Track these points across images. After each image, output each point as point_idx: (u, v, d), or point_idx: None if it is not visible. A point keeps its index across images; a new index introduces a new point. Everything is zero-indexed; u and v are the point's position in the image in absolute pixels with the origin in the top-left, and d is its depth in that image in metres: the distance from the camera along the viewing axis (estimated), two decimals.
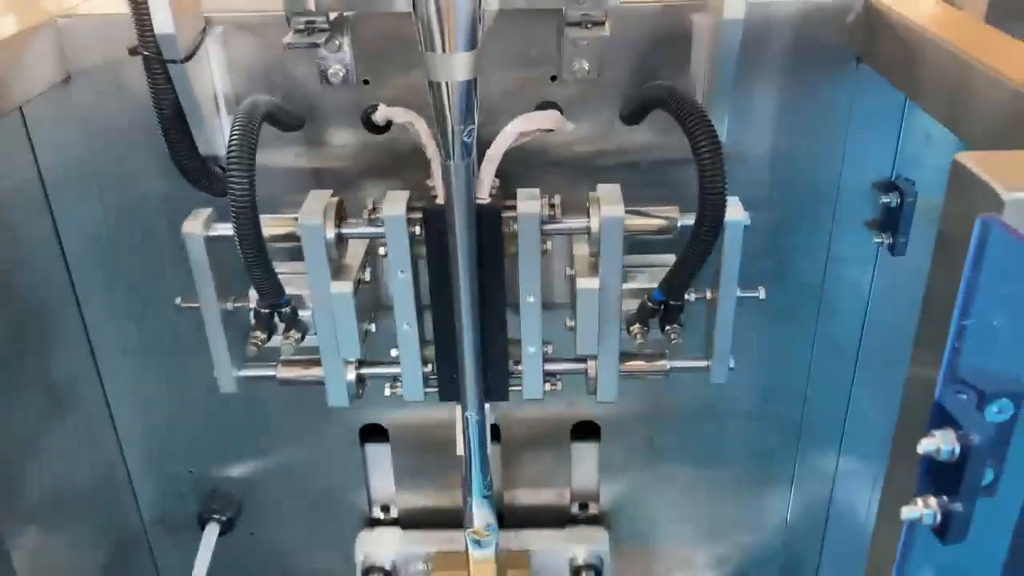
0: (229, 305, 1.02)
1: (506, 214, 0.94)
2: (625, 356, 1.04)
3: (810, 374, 1.24)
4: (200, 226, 0.96)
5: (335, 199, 0.98)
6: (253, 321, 0.99)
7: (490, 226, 0.93)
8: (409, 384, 1.06)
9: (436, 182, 0.94)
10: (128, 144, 1.08)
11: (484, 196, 0.92)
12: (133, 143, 1.07)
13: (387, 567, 1.27)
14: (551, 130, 0.94)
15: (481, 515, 1.13)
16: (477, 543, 1.15)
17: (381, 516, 1.38)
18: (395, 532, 1.32)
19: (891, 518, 0.58)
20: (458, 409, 1.09)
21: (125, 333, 1.21)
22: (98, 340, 1.22)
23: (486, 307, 0.96)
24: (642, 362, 1.04)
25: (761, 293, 0.99)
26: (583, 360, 1.05)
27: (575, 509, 1.39)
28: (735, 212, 0.93)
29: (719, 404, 1.26)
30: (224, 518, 1.30)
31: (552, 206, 0.96)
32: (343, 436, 1.30)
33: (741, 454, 1.31)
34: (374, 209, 0.97)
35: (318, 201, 0.97)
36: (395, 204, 0.95)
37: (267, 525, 1.37)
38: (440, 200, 0.94)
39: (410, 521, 1.37)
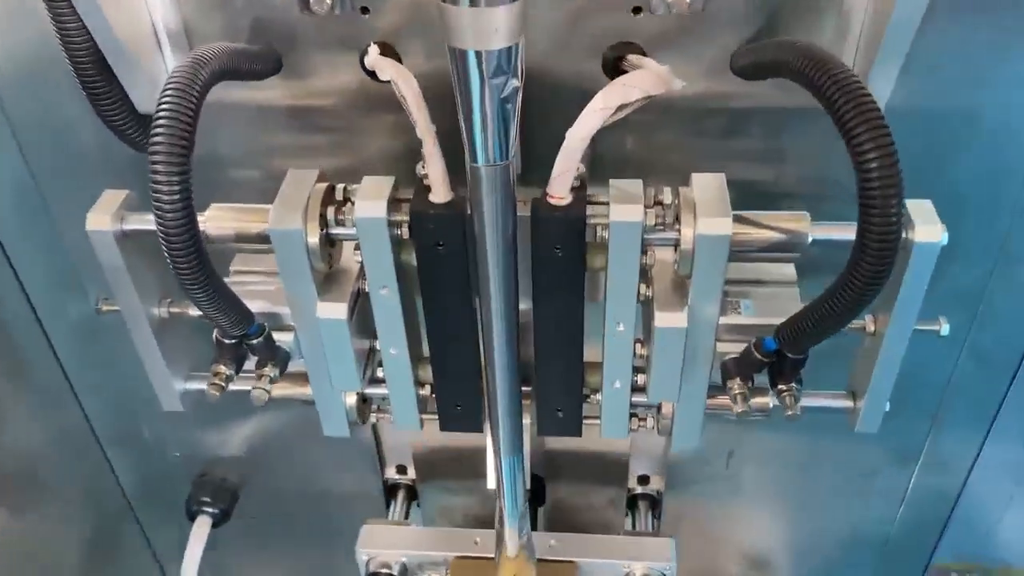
0: (163, 311, 0.77)
1: (592, 221, 0.67)
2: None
3: (949, 388, 0.96)
4: (109, 220, 0.70)
5: (322, 185, 0.70)
6: (215, 352, 0.74)
7: (568, 239, 0.67)
8: (401, 412, 0.82)
9: (429, 168, 0.66)
10: (53, 86, 0.79)
11: (563, 195, 0.65)
12: (57, 83, 0.78)
13: (394, 572, 1.00)
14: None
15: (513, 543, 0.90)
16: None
17: (397, 477, 1.15)
18: (406, 530, 1.06)
19: None
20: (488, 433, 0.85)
21: (76, 304, 0.97)
22: (46, 312, 0.98)
23: (549, 335, 0.73)
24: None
25: (943, 328, 0.71)
26: None
27: (632, 482, 1.12)
28: (927, 229, 0.63)
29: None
30: (216, 510, 1.11)
31: (661, 205, 0.68)
32: None
33: (846, 465, 1.05)
34: (344, 201, 0.70)
35: (298, 189, 0.69)
36: (372, 201, 0.68)
37: (266, 510, 1.18)
38: (436, 196, 0.67)
39: (430, 491, 1.14)
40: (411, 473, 1.13)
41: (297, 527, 1.20)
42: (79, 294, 0.95)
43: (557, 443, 1.06)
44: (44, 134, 0.83)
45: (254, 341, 0.71)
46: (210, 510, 1.10)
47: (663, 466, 1.09)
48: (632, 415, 0.81)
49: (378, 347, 0.78)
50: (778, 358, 0.69)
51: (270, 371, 0.73)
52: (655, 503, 1.12)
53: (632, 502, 1.12)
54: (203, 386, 0.83)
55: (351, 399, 0.81)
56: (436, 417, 0.83)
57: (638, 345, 0.76)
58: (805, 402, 0.78)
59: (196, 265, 0.60)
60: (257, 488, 1.15)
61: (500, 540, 0.87)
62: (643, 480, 1.11)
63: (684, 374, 0.73)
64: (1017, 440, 1.03)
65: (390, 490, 1.15)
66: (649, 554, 0.99)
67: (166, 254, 0.60)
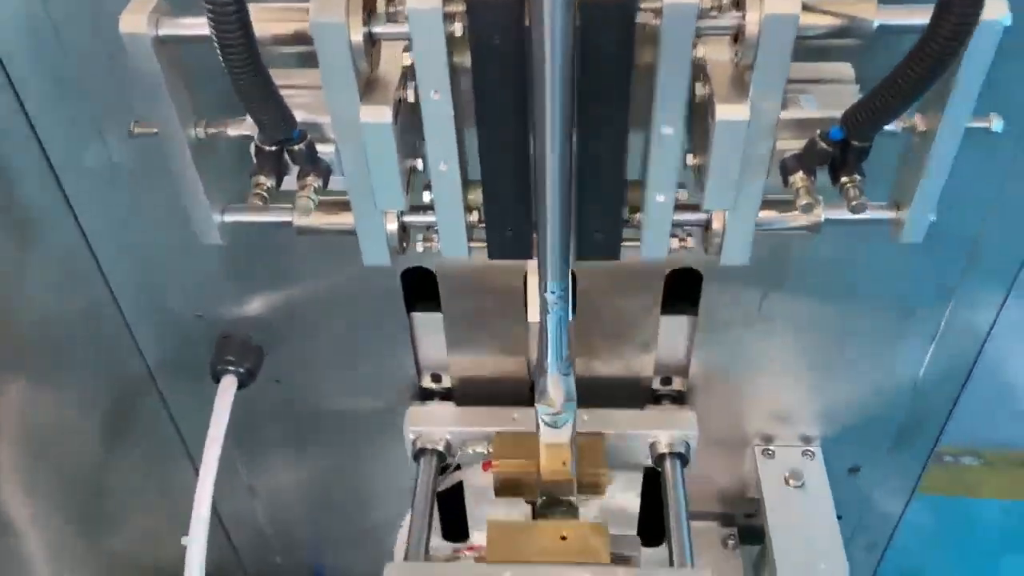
0: (200, 131, 0.73)
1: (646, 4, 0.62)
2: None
3: (993, 207, 0.94)
4: (144, 22, 0.65)
5: None
6: (255, 160, 0.71)
7: (616, 30, 0.63)
8: (448, 238, 0.80)
9: None
10: None
11: None
12: None
13: (439, 448, 1.06)
14: None
15: (557, 390, 0.90)
16: (551, 422, 0.93)
17: (432, 386, 1.17)
18: (449, 408, 1.11)
19: None
20: (530, 265, 0.83)
21: (92, 152, 0.92)
22: (62, 164, 0.94)
23: (594, 141, 0.69)
24: (793, 215, 0.76)
25: (995, 123, 0.69)
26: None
27: (657, 384, 1.16)
28: (992, 3, 0.60)
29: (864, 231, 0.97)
30: (242, 369, 1.09)
31: None
32: (380, 274, 1.04)
33: (879, 297, 1.04)
34: None
35: None
36: None
37: (295, 373, 1.16)
38: None
39: (466, 394, 1.15)
40: (446, 382, 1.16)
41: (324, 393, 1.19)
42: (96, 141, 0.91)
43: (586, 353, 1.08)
44: None
45: (296, 147, 0.68)
46: (235, 368, 1.08)
47: (686, 368, 1.13)
48: (674, 235, 0.79)
49: (420, 167, 0.76)
50: (842, 149, 0.67)
51: (313, 181, 0.70)
52: (677, 401, 1.16)
53: (656, 402, 1.16)
54: (240, 218, 0.81)
55: (392, 224, 0.79)
56: (484, 244, 0.80)
57: (690, 156, 0.74)
58: (845, 215, 0.77)
59: (248, 48, 0.57)
60: (284, 349, 1.13)
61: (541, 366, 0.87)
62: (666, 381, 1.15)
63: (742, 177, 0.71)
64: None
65: (425, 398, 1.17)
66: (672, 424, 1.07)
67: (217, 41, 0.57)
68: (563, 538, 0.96)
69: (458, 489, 1.19)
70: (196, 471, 1.12)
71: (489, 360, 1.11)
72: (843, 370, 1.12)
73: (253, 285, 1.07)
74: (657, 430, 1.06)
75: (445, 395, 1.16)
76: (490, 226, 0.78)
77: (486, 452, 1.05)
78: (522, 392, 1.13)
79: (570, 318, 0.83)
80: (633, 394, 1.14)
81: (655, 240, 0.78)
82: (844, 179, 0.67)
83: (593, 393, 1.03)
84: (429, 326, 1.10)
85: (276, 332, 1.11)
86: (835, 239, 0.97)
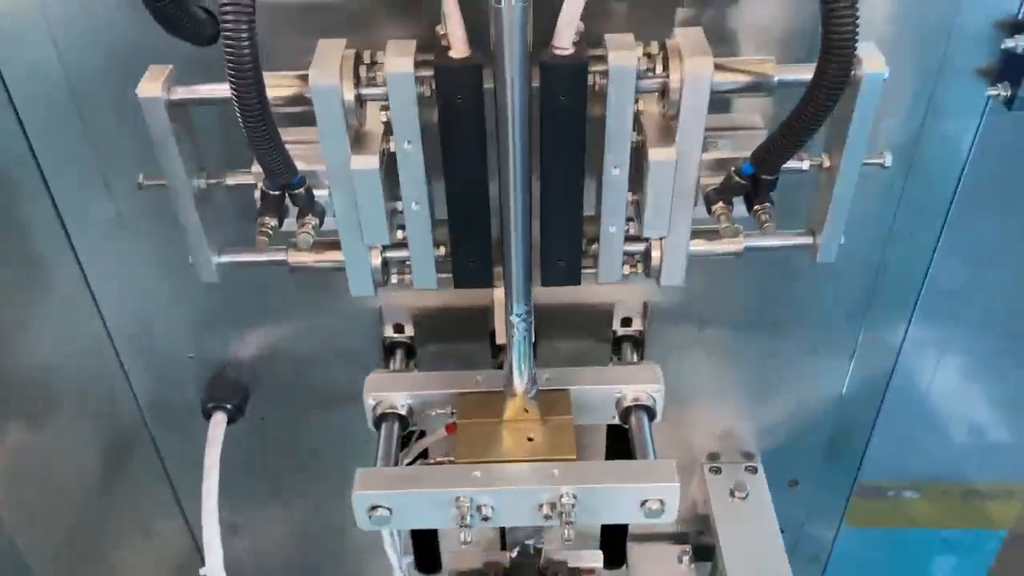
0: (202, 183, 0.85)
1: (594, 68, 0.77)
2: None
3: (890, 237, 1.09)
4: (159, 88, 0.78)
5: (351, 51, 0.79)
6: (259, 204, 0.82)
7: (572, 86, 0.76)
8: (420, 270, 0.91)
9: (449, 25, 0.75)
10: None
11: (566, 46, 0.74)
12: None
13: (402, 411, 1.05)
14: None
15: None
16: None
17: (395, 336, 1.18)
18: (409, 374, 1.14)
19: None
20: (496, 293, 0.95)
21: (99, 204, 1.03)
22: (70, 215, 1.04)
23: (556, 182, 0.83)
24: (719, 243, 0.90)
25: (887, 160, 0.84)
26: (644, 239, 0.91)
27: (616, 324, 1.18)
28: (872, 62, 0.75)
29: (785, 264, 1.12)
30: (231, 406, 1.18)
31: (649, 56, 0.78)
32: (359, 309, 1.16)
33: (802, 321, 1.18)
34: (372, 64, 0.79)
35: (331, 54, 0.78)
36: (399, 59, 0.77)
37: (279, 408, 1.26)
38: (455, 52, 0.76)
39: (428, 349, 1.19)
40: (408, 331, 1.18)
41: (307, 425, 1.28)
42: (102, 193, 1.02)
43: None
44: (79, 30, 0.90)
45: (297, 191, 0.80)
46: (225, 405, 1.17)
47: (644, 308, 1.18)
48: (624, 263, 0.92)
49: (399, 208, 0.88)
50: (753, 182, 0.81)
51: (311, 220, 0.82)
52: (638, 344, 1.20)
53: (616, 344, 1.20)
54: (235, 258, 0.91)
55: (376, 259, 0.90)
56: (451, 275, 0.92)
57: (629, 194, 0.87)
58: (771, 242, 0.91)
59: (262, 105, 0.69)
60: (269, 387, 1.22)
61: (508, 380, 0.98)
62: (626, 322, 1.19)
63: (673, 208, 0.84)
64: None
65: (388, 350, 1.19)
66: (638, 379, 1.08)
67: (236, 100, 0.68)
68: (530, 439, 0.99)
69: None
70: (183, 512, 1.19)
71: (451, 308, 1.15)
72: (775, 390, 1.26)
73: (241, 328, 1.17)
74: (622, 384, 1.05)
75: (407, 346, 1.18)
76: (456, 258, 0.90)
77: (449, 414, 1.04)
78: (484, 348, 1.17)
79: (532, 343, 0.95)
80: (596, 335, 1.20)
81: (610, 265, 0.91)
82: (756, 207, 0.82)
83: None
84: None
85: (261, 371, 1.21)
86: (757, 271, 1.11)
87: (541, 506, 0.93)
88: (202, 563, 1.48)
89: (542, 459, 0.96)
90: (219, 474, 1.31)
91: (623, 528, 1.38)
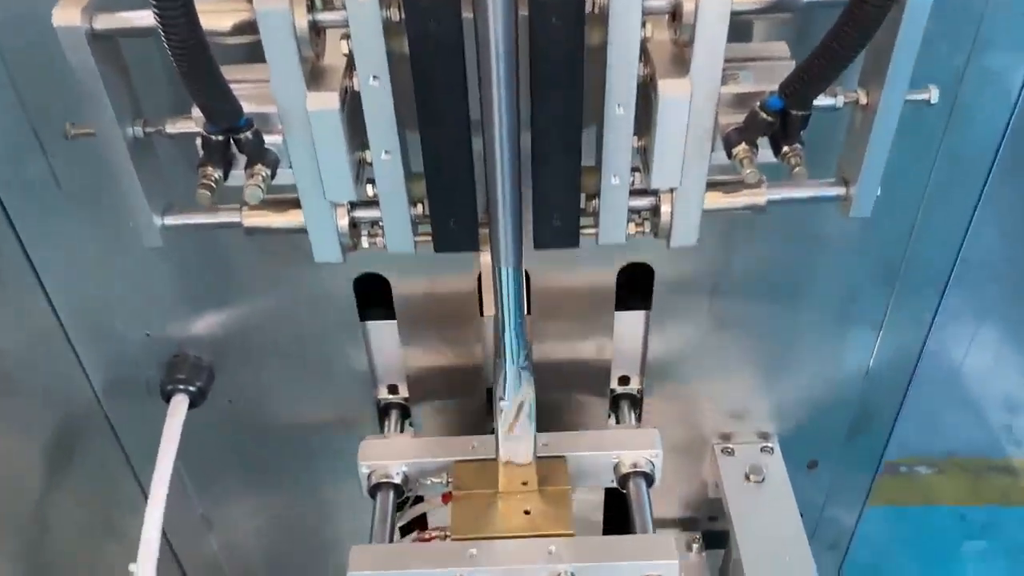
0: (139, 130, 0.73)
1: None
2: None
3: (926, 194, 0.97)
4: (78, 15, 0.65)
5: None
6: (201, 152, 0.70)
7: (566, 6, 0.64)
8: (394, 232, 0.79)
9: None
10: None
11: None
12: None
13: (396, 480, 1.02)
14: None
15: (517, 390, 0.90)
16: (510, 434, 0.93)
17: (389, 397, 1.16)
18: (404, 439, 1.10)
19: None
20: (483, 258, 0.83)
21: (33, 163, 0.91)
22: (3, 182, 0.92)
23: (549, 125, 0.70)
24: (738, 195, 0.78)
25: (933, 95, 0.72)
26: (652, 192, 0.79)
27: (615, 383, 1.16)
28: None
29: (807, 224, 1.00)
30: (193, 388, 1.06)
31: None
32: (333, 286, 1.04)
33: (826, 289, 1.06)
34: None
35: None
36: None
37: (247, 390, 1.14)
38: None
39: (423, 400, 1.16)
40: (403, 392, 1.14)
41: (278, 412, 1.17)
42: (34, 149, 0.90)
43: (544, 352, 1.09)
44: None
45: (243, 135, 0.68)
46: (186, 387, 1.06)
47: (642, 365, 1.13)
48: (630, 220, 0.80)
49: (368, 159, 0.76)
50: (782, 120, 0.69)
51: (261, 170, 0.70)
52: (636, 402, 1.16)
53: (615, 402, 1.17)
54: (182, 220, 0.80)
55: (343, 219, 0.78)
56: (430, 239, 0.81)
57: (634, 138, 0.75)
58: (798, 193, 0.79)
59: (191, 28, 0.57)
60: (235, 368, 1.11)
61: (498, 443, 0.92)
62: (624, 380, 1.15)
63: (687, 153, 0.72)
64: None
65: (383, 411, 1.16)
66: (636, 444, 1.05)
67: (159, 21, 0.56)
68: (526, 512, 0.95)
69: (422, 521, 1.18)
70: (146, 498, 1.08)
71: (446, 368, 1.11)
72: (795, 363, 1.14)
73: (203, 303, 1.06)
74: (620, 450, 1.03)
75: (402, 407, 1.15)
76: (435, 217, 0.78)
77: (445, 483, 1.01)
78: (480, 407, 1.13)
79: (525, 313, 0.84)
80: (593, 391, 1.15)
81: (612, 224, 0.79)
82: (785, 148, 0.69)
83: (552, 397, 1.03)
84: (384, 335, 1.09)
85: (227, 350, 1.09)
86: (778, 229, 0.99)
87: None
88: (172, 556, 1.39)
89: (539, 535, 0.93)
90: (191, 466, 1.21)
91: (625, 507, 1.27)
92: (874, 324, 1.10)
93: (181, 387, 1.06)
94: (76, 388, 1.11)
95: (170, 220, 0.79)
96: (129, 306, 1.04)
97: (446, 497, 1.05)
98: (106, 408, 1.15)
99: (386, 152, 0.73)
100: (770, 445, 1.21)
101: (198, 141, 0.70)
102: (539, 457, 0.97)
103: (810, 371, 1.15)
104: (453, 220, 0.78)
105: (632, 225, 0.80)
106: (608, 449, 1.03)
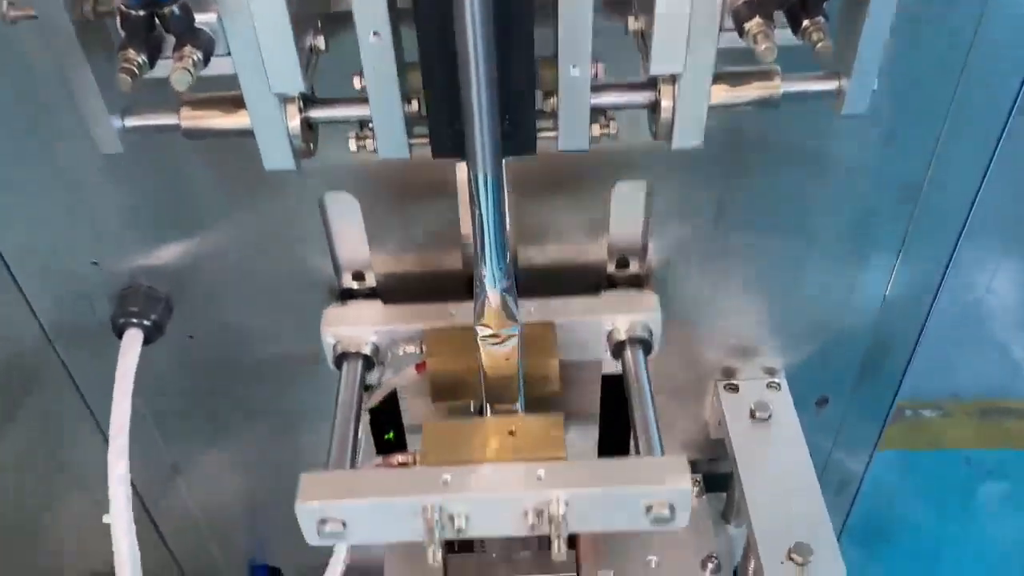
0: (87, 7, 0.62)
1: None
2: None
3: (949, 115, 0.87)
4: None
5: None
6: (122, 32, 0.60)
7: None
8: (385, 134, 0.69)
9: None
10: None
11: None
12: None
13: (366, 351, 0.92)
14: None
15: (497, 305, 0.80)
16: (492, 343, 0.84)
17: (354, 286, 1.02)
18: (374, 306, 0.97)
19: None
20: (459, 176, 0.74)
21: None
22: None
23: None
24: (746, 86, 0.68)
25: None
26: (650, 86, 0.69)
27: (612, 268, 1.02)
28: None
29: (819, 144, 0.90)
30: (148, 322, 0.97)
31: None
32: (299, 209, 0.94)
33: (839, 212, 0.97)
34: None
35: None
36: None
37: (210, 325, 1.05)
38: None
39: (393, 291, 1.01)
40: (370, 280, 1.02)
41: (246, 344, 1.08)
42: None
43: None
44: None
45: (168, 9, 0.57)
46: (140, 321, 0.96)
47: (643, 245, 1.00)
48: (595, 121, 0.69)
49: (320, 46, 0.66)
50: None
51: (191, 53, 0.59)
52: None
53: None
54: (143, 122, 0.69)
55: (294, 119, 0.68)
56: (427, 141, 0.70)
57: (630, 19, 0.65)
58: (785, 87, 0.69)
59: None
60: (194, 300, 1.01)
61: (480, 301, 0.78)
62: (622, 264, 1.02)
63: (691, 33, 0.62)
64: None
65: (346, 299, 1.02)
66: (631, 308, 0.93)
67: None
68: (511, 433, 0.84)
69: (392, 404, 1.06)
70: (106, 441, 1.00)
71: (418, 252, 0.98)
72: (806, 289, 1.04)
73: (156, 230, 0.96)
74: (614, 315, 0.92)
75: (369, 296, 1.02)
76: (435, 117, 0.67)
77: (419, 352, 0.91)
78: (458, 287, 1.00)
79: (506, 230, 0.74)
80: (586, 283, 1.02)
81: (574, 126, 0.68)
82: (806, 23, 0.59)
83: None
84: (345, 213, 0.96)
85: (185, 281, 0.99)
86: (789, 148, 0.90)
87: (526, 514, 0.77)
88: (143, 509, 1.31)
89: (525, 459, 0.81)
90: (157, 411, 1.13)
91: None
92: (892, 249, 1.01)
93: (134, 321, 0.96)
94: (23, 326, 1.02)
95: (132, 122, 0.68)
96: (74, 236, 0.95)
97: (420, 367, 0.94)
98: (57, 348, 1.06)
99: (375, 34, 0.62)
100: (777, 381, 1.12)
101: (117, 19, 0.59)
102: (526, 324, 0.85)
103: (823, 298, 1.05)
104: (453, 122, 0.66)
105: (597, 127, 0.69)
106: (601, 314, 0.93)
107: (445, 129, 0.67)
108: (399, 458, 0.87)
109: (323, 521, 0.78)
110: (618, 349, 0.94)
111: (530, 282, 0.95)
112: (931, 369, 1.12)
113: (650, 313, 0.92)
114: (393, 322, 0.93)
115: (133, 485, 1.24)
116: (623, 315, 0.92)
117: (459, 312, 0.91)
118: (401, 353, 0.92)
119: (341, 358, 0.92)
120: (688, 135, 0.69)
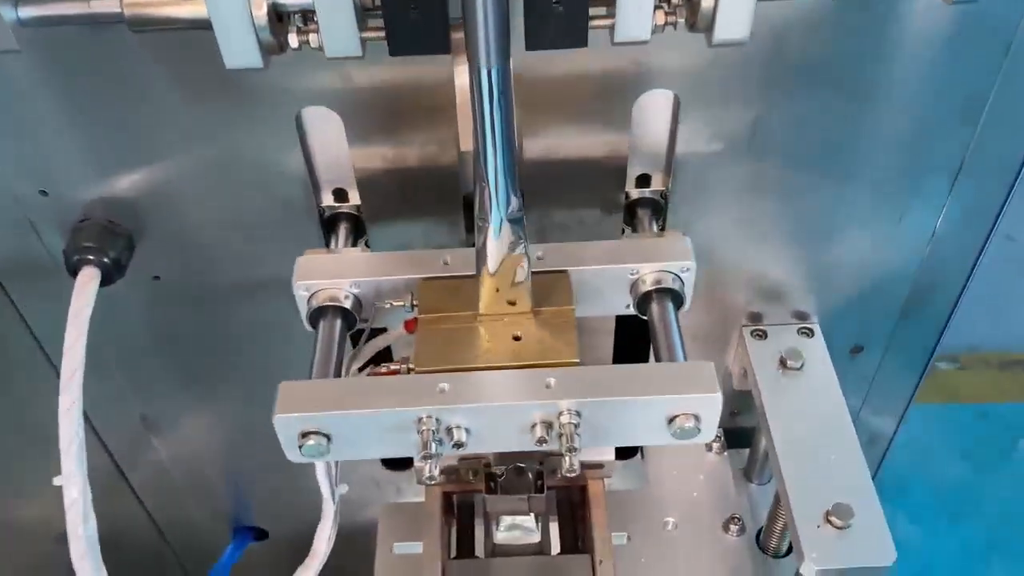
0: None
1: None
2: None
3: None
4: None
5: None
6: None
7: None
8: (332, 28, 0.58)
9: None
10: None
11: None
12: None
13: (345, 305, 0.79)
14: None
15: (502, 241, 0.70)
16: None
17: (337, 206, 0.90)
18: (355, 255, 0.85)
19: None
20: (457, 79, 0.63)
21: None
22: None
23: None
24: None
25: None
26: None
27: (631, 186, 0.90)
28: None
29: (869, 58, 0.79)
30: (107, 259, 0.86)
31: None
32: (274, 128, 0.82)
33: (885, 138, 0.85)
34: None
35: None
36: None
37: (177, 264, 0.94)
38: None
39: (378, 211, 0.89)
40: (354, 199, 0.90)
41: (216, 289, 0.97)
42: None
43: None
44: None
45: None
46: (97, 259, 0.85)
47: (668, 159, 0.88)
48: (659, 7, 0.59)
49: None
50: None
51: None
52: (659, 209, 0.91)
53: (630, 211, 0.91)
54: (44, 11, 0.58)
55: (260, 8, 0.56)
56: (383, 37, 0.59)
57: None
58: None
59: None
60: (160, 234, 0.90)
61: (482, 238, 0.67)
62: (643, 181, 0.90)
63: None
64: None
65: (328, 223, 0.91)
66: (660, 254, 0.80)
67: None
68: (516, 338, 0.74)
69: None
70: None
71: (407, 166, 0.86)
72: (846, 224, 0.93)
73: (113, 157, 0.84)
74: (640, 262, 0.79)
75: (353, 217, 0.91)
76: (388, 5, 0.56)
77: (409, 307, 0.78)
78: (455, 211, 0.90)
79: (516, 143, 0.63)
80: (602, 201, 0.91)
81: (635, 12, 0.57)
82: None
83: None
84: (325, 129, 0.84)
85: (148, 215, 0.88)
86: (841, 51, 0.78)
87: (533, 427, 0.69)
88: (115, 467, 1.21)
89: (533, 364, 0.72)
90: (123, 361, 1.03)
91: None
92: (943, 182, 0.89)
93: (90, 258, 0.85)
94: None
95: (27, 11, 0.58)
96: (18, 163, 0.83)
97: (410, 324, 0.81)
98: (7, 288, 0.95)
99: None
100: (810, 327, 1.02)
101: None
102: (535, 273, 0.75)
103: (863, 238, 0.94)
104: (414, 6, 0.56)
105: (662, 14, 0.58)
106: (624, 261, 0.79)
107: (403, 19, 0.56)
108: (389, 366, 0.76)
109: (304, 435, 0.69)
110: (643, 301, 0.80)
111: (536, 199, 0.84)
112: (1009, 314, 1.02)
113: (683, 260, 0.79)
114: (378, 272, 0.80)
115: (101, 440, 1.15)
116: (650, 263, 0.79)
117: (454, 260, 0.79)
118: (388, 307, 0.80)
119: (317, 314, 0.79)
120: (731, 26, 0.58)
